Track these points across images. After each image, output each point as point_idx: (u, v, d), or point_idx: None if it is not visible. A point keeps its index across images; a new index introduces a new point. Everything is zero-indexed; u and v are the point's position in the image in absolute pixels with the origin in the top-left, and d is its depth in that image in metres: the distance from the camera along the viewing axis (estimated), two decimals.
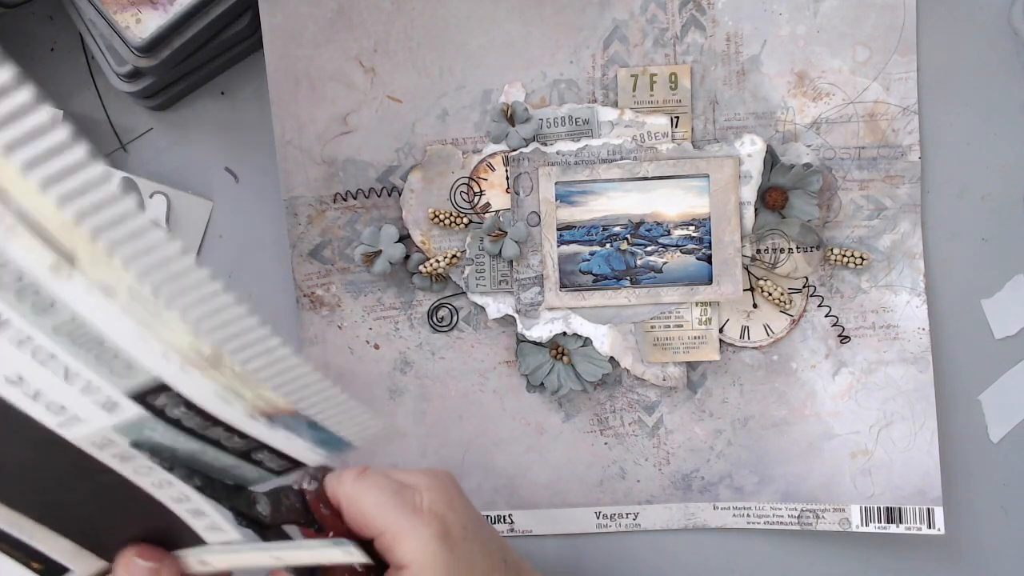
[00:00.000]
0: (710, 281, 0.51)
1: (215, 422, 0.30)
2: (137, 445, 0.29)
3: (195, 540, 0.35)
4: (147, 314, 0.25)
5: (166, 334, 0.25)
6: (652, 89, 0.51)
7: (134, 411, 0.29)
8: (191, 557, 0.35)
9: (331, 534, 0.37)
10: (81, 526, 0.34)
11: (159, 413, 0.29)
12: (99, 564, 0.36)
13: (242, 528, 0.33)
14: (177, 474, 0.30)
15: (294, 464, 0.33)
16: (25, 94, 0.20)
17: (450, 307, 0.53)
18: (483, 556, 0.37)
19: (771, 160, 0.50)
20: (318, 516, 0.37)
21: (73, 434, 0.29)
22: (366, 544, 0.36)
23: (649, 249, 0.51)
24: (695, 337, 0.51)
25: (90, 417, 0.29)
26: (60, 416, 0.29)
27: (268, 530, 0.34)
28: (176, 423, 0.29)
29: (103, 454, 0.30)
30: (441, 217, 0.51)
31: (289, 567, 0.35)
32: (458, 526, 0.37)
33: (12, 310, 0.25)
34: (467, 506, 0.39)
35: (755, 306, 0.52)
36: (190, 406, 0.29)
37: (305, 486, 0.37)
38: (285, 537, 0.35)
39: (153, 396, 0.28)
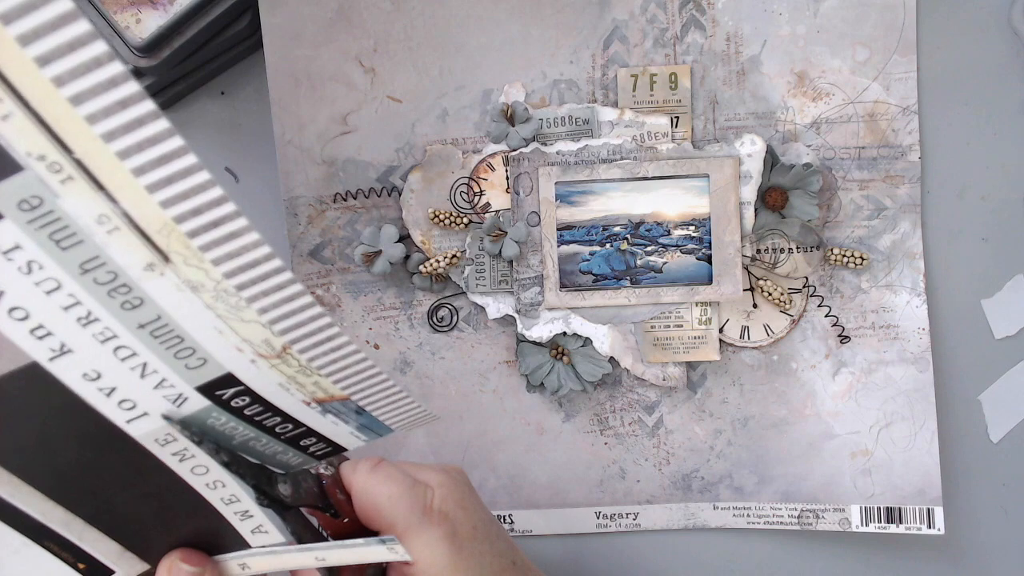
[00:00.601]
0: (710, 281, 0.51)
1: (275, 411, 0.31)
2: (166, 417, 0.30)
3: (238, 544, 0.35)
4: (227, 309, 0.26)
5: (242, 328, 0.27)
6: (652, 89, 0.51)
7: (201, 403, 0.30)
8: (232, 561, 0.35)
9: (346, 520, 0.37)
10: (129, 528, 0.35)
11: (223, 403, 0.30)
12: (142, 566, 0.36)
13: (264, 508, 0.33)
14: (205, 448, 0.31)
15: (336, 449, 0.34)
16: (147, 106, 0.22)
17: (450, 307, 0.53)
18: (492, 557, 0.37)
19: (771, 160, 0.50)
20: (334, 501, 0.37)
21: (139, 430, 0.30)
22: (374, 535, 0.37)
23: (649, 249, 0.51)
24: (695, 337, 0.51)
25: (158, 412, 0.30)
26: (130, 412, 0.30)
27: (288, 511, 0.34)
28: (238, 411, 0.31)
29: (163, 451, 0.31)
30: (441, 217, 0.51)
31: (328, 567, 0.35)
32: (467, 526, 0.37)
33: (102, 307, 0.26)
34: (478, 506, 0.39)
35: (755, 306, 0.52)
36: (254, 396, 0.30)
37: (322, 471, 0.37)
38: (303, 519, 0.35)
39: (221, 388, 0.30)
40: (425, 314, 0.53)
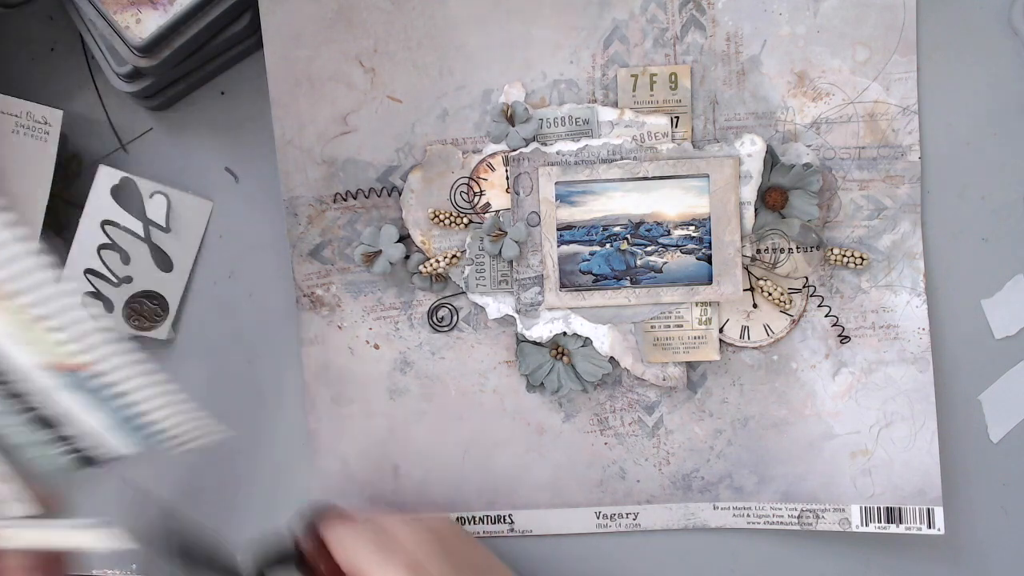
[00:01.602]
0: (710, 281, 0.51)
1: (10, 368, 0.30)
2: None
3: None
4: None
5: None
6: (652, 89, 0.51)
7: None
8: None
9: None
10: None
11: None
12: None
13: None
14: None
15: (103, 448, 0.33)
16: None
17: (450, 307, 0.53)
18: None
19: (771, 160, 0.50)
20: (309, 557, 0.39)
21: None
22: None
23: (649, 249, 0.51)
24: (695, 337, 0.51)
25: None
26: None
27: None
28: None
29: None
30: (441, 217, 0.51)
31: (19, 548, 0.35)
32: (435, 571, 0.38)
33: None
34: (457, 553, 0.40)
35: (755, 306, 0.52)
36: None
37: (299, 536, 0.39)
38: None
39: None
40: (425, 314, 0.53)
